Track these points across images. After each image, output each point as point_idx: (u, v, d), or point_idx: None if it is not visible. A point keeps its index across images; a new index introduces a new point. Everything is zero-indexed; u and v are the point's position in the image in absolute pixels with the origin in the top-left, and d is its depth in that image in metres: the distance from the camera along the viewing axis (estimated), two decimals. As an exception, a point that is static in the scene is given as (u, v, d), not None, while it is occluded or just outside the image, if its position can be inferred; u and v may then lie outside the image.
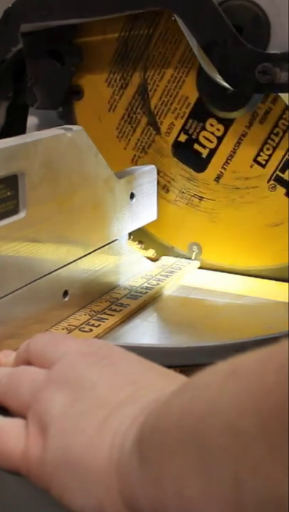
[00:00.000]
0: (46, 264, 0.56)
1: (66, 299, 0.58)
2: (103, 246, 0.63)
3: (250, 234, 0.69)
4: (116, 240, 0.65)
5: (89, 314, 0.59)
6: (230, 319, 0.61)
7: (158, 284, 0.66)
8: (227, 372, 0.30)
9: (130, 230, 0.68)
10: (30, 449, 0.37)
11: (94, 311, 0.59)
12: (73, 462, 0.36)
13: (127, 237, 0.68)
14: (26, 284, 0.53)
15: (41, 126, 0.89)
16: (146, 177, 0.69)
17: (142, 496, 0.33)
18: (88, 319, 0.58)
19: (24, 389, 0.40)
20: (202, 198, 0.70)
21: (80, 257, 0.60)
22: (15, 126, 0.75)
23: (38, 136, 0.54)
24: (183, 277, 0.69)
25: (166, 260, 0.72)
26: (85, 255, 0.61)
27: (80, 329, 0.56)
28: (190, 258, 0.72)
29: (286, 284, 0.67)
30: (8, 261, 0.51)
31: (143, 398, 0.36)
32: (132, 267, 0.68)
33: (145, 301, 0.62)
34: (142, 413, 0.35)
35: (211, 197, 0.70)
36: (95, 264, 0.62)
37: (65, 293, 0.58)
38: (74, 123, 0.72)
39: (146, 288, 0.64)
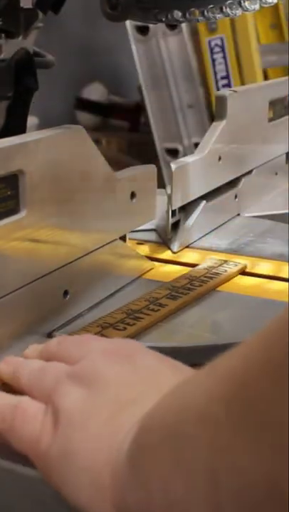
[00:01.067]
0: (46, 263, 0.56)
1: (66, 298, 0.58)
2: (103, 246, 0.63)
3: None
4: (116, 239, 0.65)
5: (126, 313, 0.58)
6: (231, 319, 0.61)
7: (201, 285, 0.65)
8: (204, 371, 0.32)
9: (130, 230, 0.68)
10: (42, 436, 0.39)
11: (131, 309, 0.59)
12: (73, 458, 0.37)
13: (127, 236, 0.68)
14: (26, 284, 0.53)
15: (41, 126, 0.89)
16: (147, 177, 0.69)
17: (131, 499, 0.34)
18: (124, 317, 0.57)
19: (48, 381, 0.41)
20: None
21: (80, 257, 0.60)
22: (15, 126, 0.75)
23: (38, 135, 0.54)
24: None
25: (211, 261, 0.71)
26: (85, 255, 0.60)
27: (114, 327, 0.56)
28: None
29: (286, 284, 0.67)
30: (8, 261, 0.51)
31: (147, 401, 0.37)
32: (132, 267, 0.68)
33: (185, 301, 0.61)
34: (141, 417, 0.36)
35: None
36: (95, 264, 0.62)
37: (65, 293, 0.58)
38: None
39: (189, 288, 0.64)
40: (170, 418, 0.32)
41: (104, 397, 0.39)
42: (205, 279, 0.66)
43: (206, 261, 0.71)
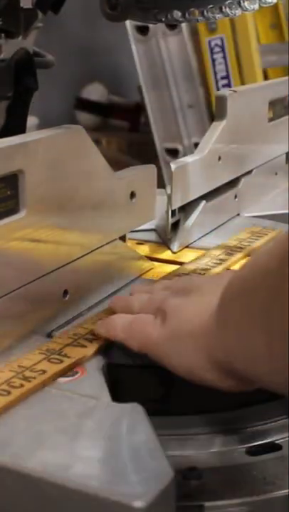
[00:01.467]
0: (46, 263, 0.56)
1: (66, 298, 0.58)
2: (103, 245, 0.63)
3: None
4: (116, 239, 0.65)
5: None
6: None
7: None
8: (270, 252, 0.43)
9: (130, 230, 0.68)
10: (154, 332, 0.50)
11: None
12: (178, 332, 0.48)
13: (127, 236, 0.68)
14: (26, 284, 0.53)
15: (41, 126, 0.89)
16: (147, 177, 0.69)
17: (218, 350, 0.45)
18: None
19: (156, 302, 0.53)
20: None
21: (80, 257, 0.60)
22: (15, 126, 0.75)
23: (38, 135, 0.54)
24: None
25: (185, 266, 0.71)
26: (85, 255, 0.61)
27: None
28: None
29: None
30: (7, 260, 0.51)
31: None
32: (132, 267, 0.68)
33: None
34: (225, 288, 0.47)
35: None
36: (95, 264, 0.62)
37: (65, 292, 0.58)
38: None
39: None
40: (243, 277, 0.45)
41: (197, 298, 0.50)
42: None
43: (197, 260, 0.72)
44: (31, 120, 0.85)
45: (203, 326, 0.47)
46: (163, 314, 0.50)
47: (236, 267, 0.70)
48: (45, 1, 0.69)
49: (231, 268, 0.70)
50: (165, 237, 0.78)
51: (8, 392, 0.46)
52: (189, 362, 0.47)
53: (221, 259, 0.71)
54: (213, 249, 0.75)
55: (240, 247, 0.76)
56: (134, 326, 0.52)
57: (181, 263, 0.72)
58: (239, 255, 0.73)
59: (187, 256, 0.75)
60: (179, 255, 0.75)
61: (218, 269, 0.69)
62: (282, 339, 0.39)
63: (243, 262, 0.72)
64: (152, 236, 0.80)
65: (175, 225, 0.77)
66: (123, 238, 0.67)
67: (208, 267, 0.69)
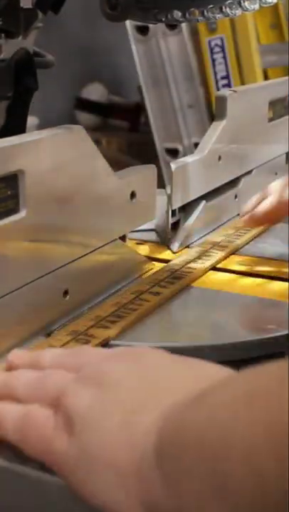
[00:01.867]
0: (46, 263, 0.56)
1: (66, 298, 0.58)
2: (103, 245, 0.63)
3: None
4: (116, 239, 0.65)
5: (94, 320, 0.58)
6: (230, 319, 0.61)
7: (166, 287, 0.65)
8: (242, 399, 0.31)
9: (130, 230, 0.68)
10: (56, 442, 0.38)
11: (98, 315, 0.59)
12: (95, 459, 0.36)
13: (127, 236, 0.68)
14: (27, 284, 0.53)
15: (41, 126, 0.89)
16: (147, 177, 0.69)
17: (162, 505, 0.34)
18: (93, 325, 0.57)
19: (51, 389, 0.41)
20: None
21: (80, 257, 0.60)
22: (15, 126, 0.75)
23: (38, 135, 0.54)
24: (193, 281, 0.68)
25: (176, 261, 0.72)
26: (85, 255, 0.60)
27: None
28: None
29: (286, 284, 0.67)
30: (8, 260, 0.51)
31: (164, 400, 0.37)
32: (132, 267, 0.68)
33: (151, 306, 0.61)
34: (161, 417, 0.35)
35: None
36: (95, 264, 0.62)
37: (66, 292, 0.58)
38: None
39: (157, 292, 0.64)
40: (207, 446, 0.32)
41: (117, 396, 0.38)
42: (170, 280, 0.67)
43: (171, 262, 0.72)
44: (31, 120, 0.85)
45: (133, 462, 0.35)
46: (66, 417, 0.38)
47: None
48: (45, 1, 0.69)
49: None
50: (165, 237, 0.78)
51: None
52: (111, 499, 0.36)
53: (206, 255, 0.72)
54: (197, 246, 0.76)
55: (224, 246, 0.76)
56: (28, 427, 0.40)
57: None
58: (223, 253, 0.74)
59: (187, 256, 0.75)
60: (178, 255, 0.75)
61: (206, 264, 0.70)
62: None
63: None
64: (152, 236, 0.80)
65: (175, 225, 0.77)
66: (123, 238, 0.67)
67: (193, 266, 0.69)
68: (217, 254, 0.74)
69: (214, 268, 0.72)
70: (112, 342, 0.54)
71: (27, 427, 0.40)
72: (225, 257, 0.74)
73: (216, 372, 0.39)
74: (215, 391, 0.34)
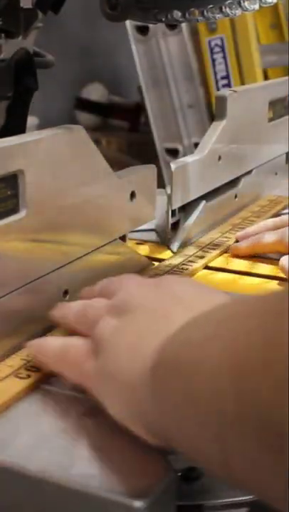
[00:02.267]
0: (46, 263, 0.56)
1: (66, 298, 0.58)
2: (103, 246, 0.63)
3: None
4: (116, 239, 0.65)
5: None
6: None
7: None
8: (218, 320, 0.36)
9: (130, 230, 0.68)
10: (87, 362, 0.45)
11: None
12: (110, 376, 0.42)
13: (128, 236, 0.68)
14: (26, 284, 0.53)
15: (41, 126, 0.89)
16: (147, 177, 0.69)
17: (151, 417, 0.39)
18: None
19: (90, 316, 0.48)
20: None
21: (80, 257, 0.60)
22: (15, 126, 0.75)
23: (38, 135, 0.54)
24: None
25: (174, 259, 0.72)
26: (85, 255, 0.61)
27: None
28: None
29: (286, 284, 0.67)
30: (7, 260, 0.51)
31: (171, 325, 0.40)
32: (132, 267, 0.68)
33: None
34: (162, 341, 0.39)
35: None
36: (95, 264, 0.62)
37: (66, 292, 0.58)
38: None
39: None
40: (182, 362, 0.36)
41: (132, 322, 0.44)
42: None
43: (168, 260, 0.72)
44: (31, 120, 0.85)
45: (135, 382, 0.40)
46: (96, 342, 0.45)
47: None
48: (45, 1, 0.69)
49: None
50: (165, 237, 0.78)
51: (28, 376, 0.49)
52: (120, 412, 0.42)
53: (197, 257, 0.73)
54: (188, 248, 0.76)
55: (217, 244, 0.77)
56: (65, 353, 0.47)
57: (181, 263, 0.72)
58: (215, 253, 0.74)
59: (187, 256, 0.75)
60: (177, 254, 0.75)
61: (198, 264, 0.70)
62: (242, 452, 0.32)
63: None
64: (152, 236, 0.80)
65: (175, 225, 0.77)
66: (123, 238, 0.67)
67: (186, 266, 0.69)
68: (215, 254, 0.74)
69: (214, 268, 0.72)
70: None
71: (64, 353, 0.47)
72: (220, 255, 0.75)
73: (226, 299, 0.44)
74: (205, 314, 0.38)
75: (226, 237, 0.79)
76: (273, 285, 0.68)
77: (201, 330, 0.37)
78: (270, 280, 0.69)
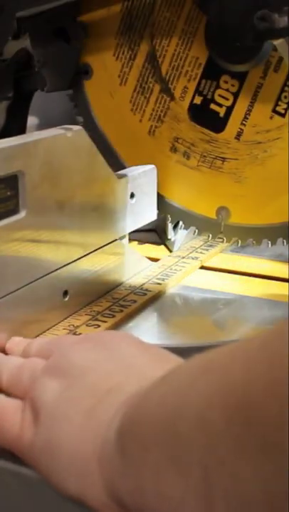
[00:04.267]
0: (46, 264, 0.56)
1: (66, 299, 0.58)
2: (103, 246, 0.63)
3: (279, 189, 0.67)
4: (116, 239, 0.65)
5: (90, 314, 0.59)
6: (230, 319, 0.61)
7: (159, 284, 0.66)
8: (199, 368, 0.31)
9: (130, 230, 0.68)
10: (23, 432, 0.39)
11: (95, 311, 0.59)
12: (58, 449, 0.37)
13: (127, 236, 0.68)
14: (26, 284, 0.53)
15: (41, 126, 0.89)
16: (146, 177, 0.69)
17: (123, 488, 0.34)
18: (89, 319, 0.58)
19: (25, 377, 0.42)
20: (225, 159, 0.69)
21: (80, 257, 0.60)
22: (15, 126, 0.75)
23: (38, 136, 0.54)
24: (184, 277, 0.69)
25: (167, 260, 0.72)
26: (85, 255, 0.60)
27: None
28: (219, 224, 0.71)
29: (286, 284, 0.67)
30: (8, 261, 0.51)
31: (129, 387, 0.37)
32: (132, 267, 0.68)
33: (146, 301, 0.62)
34: (126, 404, 0.35)
35: (233, 156, 0.69)
36: (95, 264, 0.62)
37: (65, 293, 0.58)
38: (85, 103, 0.72)
39: (147, 289, 0.64)
40: (164, 413, 0.32)
41: (81, 386, 0.39)
42: (162, 277, 0.67)
43: (162, 260, 0.72)
44: (31, 120, 0.85)
45: (95, 449, 0.36)
46: (33, 407, 0.39)
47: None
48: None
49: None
50: (165, 237, 0.77)
51: None
52: (73, 487, 0.36)
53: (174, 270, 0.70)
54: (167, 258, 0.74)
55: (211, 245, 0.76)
56: None
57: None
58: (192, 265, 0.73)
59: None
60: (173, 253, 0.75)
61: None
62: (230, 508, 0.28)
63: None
64: (152, 236, 0.80)
65: (175, 226, 0.77)
66: (123, 238, 0.67)
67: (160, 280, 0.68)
68: (214, 253, 0.74)
69: (213, 268, 0.72)
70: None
71: None
72: (215, 254, 0.75)
73: (180, 361, 0.40)
74: (174, 370, 0.34)
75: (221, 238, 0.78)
76: (273, 285, 0.68)
77: (179, 379, 0.33)
78: (271, 280, 0.69)
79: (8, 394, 0.43)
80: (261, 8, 0.59)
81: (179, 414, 0.31)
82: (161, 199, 0.71)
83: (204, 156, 0.70)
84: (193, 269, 0.71)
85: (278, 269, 0.71)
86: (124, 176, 0.66)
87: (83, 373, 0.39)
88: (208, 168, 0.70)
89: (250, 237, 0.69)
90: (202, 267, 0.72)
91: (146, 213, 0.70)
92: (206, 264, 0.73)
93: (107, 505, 0.35)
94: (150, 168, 0.70)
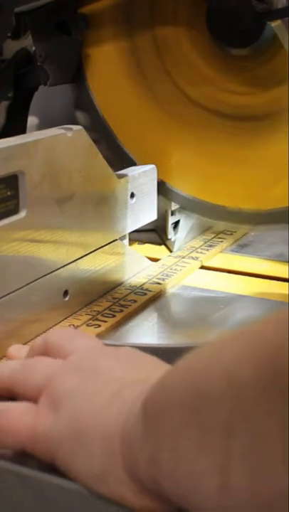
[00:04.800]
0: (46, 264, 0.56)
1: (66, 299, 0.58)
2: (103, 246, 0.63)
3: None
4: (116, 239, 0.65)
5: (90, 314, 0.59)
6: (230, 319, 0.61)
7: (159, 283, 0.66)
8: (230, 336, 0.32)
9: (130, 230, 0.68)
10: (38, 424, 0.38)
11: (95, 310, 0.59)
12: (79, 431, 0.37)
13: (128, 236, 0.68)
14: (26, 284, 0.53)
15: (41, 126, 0.89)
16: (147, 177, 0.69)
17: (140, 459, 0.34)
18: (89, 319, 0.58)
19: (38, 375, 0.41)
20: None
21: (80, 257, 0.60)
22: (15, 126, 0.75)
23: (38, 136, 0.54)
24: (184, 277, 0.69)
25: (167, 260, 0.72)
26: (85, 255, 0.61)
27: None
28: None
29: (286, 284, 0.67)
30: (8, 261, 0.51)
31: (148, 381, 0.37)
32: (132, 267, 0.68)
33: (146, 301, 0.62)
34: (150, 386, 0.35)
35: None
36: (96, 264, 0.62)
37: (66, 293, 0.58)
38: (88, 96, 0.73)
39: (147, 289, 0.64)
40: (191, 375, 0.32)
41: (105, 379, 0.39)
42: (162, 277, 0.67)
43: (162, 260, 0.72)
44: (31, 120, 0.85)
45: (118, 430, 0.36)
46: (52, 400, 0.39)
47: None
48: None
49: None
50: (165, 237, 0.78)
51: None
52: (97, 469, 0.36)
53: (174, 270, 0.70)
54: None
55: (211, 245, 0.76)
56: (3, 419, 0.40)
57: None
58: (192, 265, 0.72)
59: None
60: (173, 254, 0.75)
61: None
62: (246, 465, 0.29)
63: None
64: (152, 236, 0.80)
65: (175, 225, 0.77)
66: (123, 238, 0.67)
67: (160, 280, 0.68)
68: (214, 253, 0.74)
69: (213, 268, 0.72)
70: (106, 342, 0.55)
71: (2, 420, 0.40)
72: (215, 254, 0.75)
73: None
74: (202, 345, 0.34)
75: (221, 238, 0.79)
76: (273, 285, 0.68)
77: (215, 343, 0.33)
78: (271, 280, 0.69)
79: (11, 392, 0.42)
80: None
81: (206, 374, 0.31)
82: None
83: None
84: (193, 269, 0.71)
85: (278, 269, 0.71)
86: (124, 175, 0.66)
87: (109, 369, 0.40)
88: None
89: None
90: (202, 267, 0.72)
91: (147, 213, 0.70)
92: (206, 264, 0.72)
93: (127, 484, 0.35)
94: (150, 168, 0.70)
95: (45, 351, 0.45)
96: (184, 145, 0.72)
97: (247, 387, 0.28)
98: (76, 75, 0.72)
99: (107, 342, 0.54)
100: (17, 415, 0.40)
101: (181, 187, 0.72)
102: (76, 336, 0.46)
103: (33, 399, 0.40)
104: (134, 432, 0.34)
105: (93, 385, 0.38)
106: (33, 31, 0.69)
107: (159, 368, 0.41)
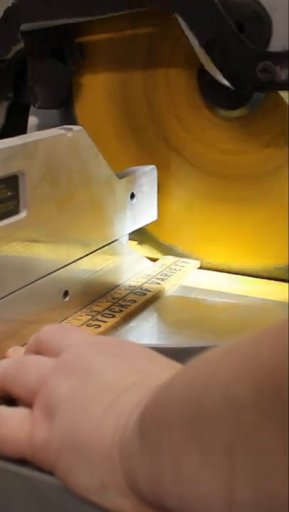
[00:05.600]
0: (46, 264, 0.56)
1: (66, 299, 0.58)
2: (103, 246, 0.63)
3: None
4: (116, 240, 0.65)
5: (90, 314, 0.59)
6: (231, 319, 0.61)
7: (159, 284, 0.66)
8: (226, 349, 0.31)
9: (130, 230, 0.68)
10: (35, 432, 0.38)
11: (95, 311, 0.59)
12: (78, 442, 0.36)
13: (128, 237, 0.68)
14: (26, 285, 0.53)
15: (41, 126, 0.89)
16: (147, 177, 0.69)
17: (141, 475, 0.33)
18: (89, 319, 0.58)
19: (31, 376, 0.41)
20: None
21: (81, 257, 0.60)
22: (15, 126, 0.75)
23: (38, 136, 0.54)
24: (183, 277, 0.69)
25: (167, 260, 0.72)
26: (86, 255, 0.61)
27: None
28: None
29: (286, 284, 0.67)
30: (8, 261, 0.51)
31: (149, 383, 0.36)
32: (132, 267, 0.68)
33: (146, 301, 0.62)
34: (147, 395, 0.35)
35: None
36: (96, 265, 0.62)
37: (66, 293, 0.58)
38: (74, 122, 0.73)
39: (147, 289, 0.64)
40: (190, 393, 0.31)
41: (100, 383, 0.38)
42: (161, 277, 0.67)
43: (161, 259, 0.72)
44: (31, 120, 0.85)
45: (116, 441, 0.35)
46: (46, 406, 0.38)
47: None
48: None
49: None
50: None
51: None
52: (97, 482, 0.35)
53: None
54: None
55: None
56: (1, 429, 0.39)
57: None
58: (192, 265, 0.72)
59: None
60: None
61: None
62: (251, 482, 0.28)
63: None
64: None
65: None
66: (123, 239, 0.67)
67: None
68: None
69: (212, 268, 0.72)
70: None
71: (2, 431, 0.39)
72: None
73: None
74: (200, 357, 0.33)
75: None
76: (273, 285, 0.68)
77: (212, 357, 0.32)
78: (271, 280, 0.69)
79: (5, 392, 0.42)
80: (263, 60, 0.59)
81: (205, 392, 0.30)
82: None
83: None
84: (193, 269, 0.71)
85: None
86: (124, 176, 0.66)
87: (101, 372, 0.39)
88: None
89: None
90: (202, 267, 0.72)
91: (147, 213, 0.70)
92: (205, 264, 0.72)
93: (128, 497, 0.34)
94: (150, 168, 0.70)
95: (38, 349, 0.44)
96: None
97: (246, 405, 0.28)
98: (64, 103, 0.73)
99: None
100: (17, 423, 0.39)
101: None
102: (67, 332, 0.45)
103: (28, 401, 0.40)
104: (132, 448, 0.34)
105: (87, 391, 0.38)
106: (28, 51, 0.70)
107: (153, 361, 0.41)
